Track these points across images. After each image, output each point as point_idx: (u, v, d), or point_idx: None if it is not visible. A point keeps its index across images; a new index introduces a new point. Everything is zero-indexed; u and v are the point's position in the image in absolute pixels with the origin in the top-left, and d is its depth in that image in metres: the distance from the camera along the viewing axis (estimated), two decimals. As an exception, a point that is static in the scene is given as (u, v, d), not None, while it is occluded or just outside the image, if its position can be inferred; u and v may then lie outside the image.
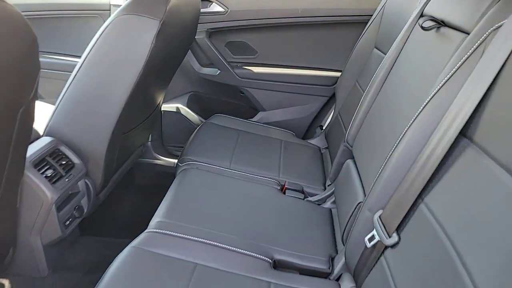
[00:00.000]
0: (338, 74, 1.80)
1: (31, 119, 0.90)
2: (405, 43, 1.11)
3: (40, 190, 1.04)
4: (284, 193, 1.31)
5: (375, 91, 1.17)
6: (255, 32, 1.85)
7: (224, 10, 1.80)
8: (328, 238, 1.11)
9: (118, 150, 1.36)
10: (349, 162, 1.19)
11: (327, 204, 1.29)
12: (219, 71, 1.87)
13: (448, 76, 0.73)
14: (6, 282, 1.14)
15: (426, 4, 1.06)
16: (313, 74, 1.85)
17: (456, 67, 0.73)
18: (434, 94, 0.76)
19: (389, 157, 0.84)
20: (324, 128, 1.83)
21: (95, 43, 1.14)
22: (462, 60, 0.72)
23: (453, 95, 0.70)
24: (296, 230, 1.11)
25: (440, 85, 0.75)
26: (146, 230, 1.00)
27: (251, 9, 1.81)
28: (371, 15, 1.62)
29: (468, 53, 0.71)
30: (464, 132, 0.66)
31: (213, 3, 1.81)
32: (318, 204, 1.30)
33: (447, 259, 0.60)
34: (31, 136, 0.94)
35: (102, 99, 1.17)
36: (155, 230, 0.99)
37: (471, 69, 0.69)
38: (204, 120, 1.92)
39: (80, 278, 1.24)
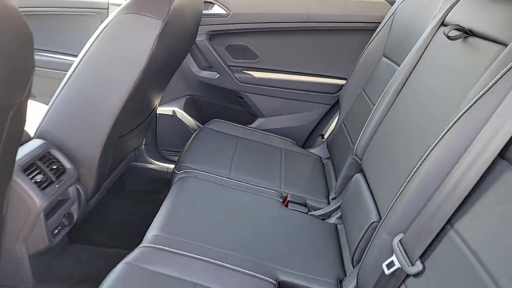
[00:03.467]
0: (342, 81, 1.76)
1: (23, 121, 0.82)
2: (422, 53, 1.06)
3: (28, 196, 0.97)
4: (287, 206, 1.25)
5: (388, 102, 1.13)
6: (257, 36, 1.80)
7: (226, 12, 1.75)
8: (335, 258, 1.05)
9: (112, 154, 1.29)
10: (359, 176, 1.14)
11: (332, 220, 1.23)
12: (218, 74, 1.81)
13: (483, 91, 0.68)
14: (-13, 294, 1.06)
15: (448, 11, 1.02)
16: (316, 81, 1.80)
17: (493, 81, 0.68)
18: (466, 111, 0.71)
19: (411, 177, 0.79)
20: (326, 137, 1.78)
21: (93, 42, 1.07)
22: (500, 74, 0.67)
23: (490, 113, 0.65)
24: (301, 248, 1.06)
25: (473, 101, 0.70)
26: (141, 245, 0.92)
27: (254, 12, 1.75)
28: (379, 22, 1.58)
29: (508, 66, 0.66)
30: (503, 154, 0.62)
31: (215, 5, 1.75)
32: (322, 219, 1.24)
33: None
34: (21, 139, 0.86)
35: (99, 101, 1.10)
36: (150, 245, 0.92)
37: (511, 84, 0.64)
38: (201, 125, 1.85)
39: (67, 291, 1.16)
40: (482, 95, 0.69)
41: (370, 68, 1.53)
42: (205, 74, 1.83)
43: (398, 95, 1.10)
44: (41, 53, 1.82)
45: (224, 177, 1.30)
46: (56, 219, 1.08)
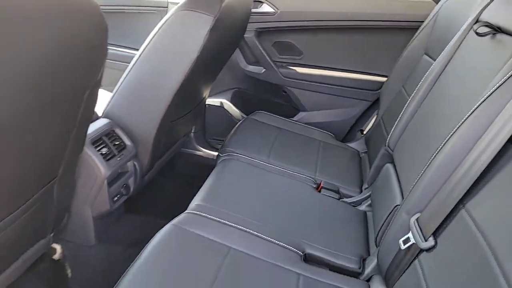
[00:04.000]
0: (383, 79, 1.80)
1: (94, 101, 0.98)
2: (457, 49, 1.10)
3: (96, 165, 1.14)
4: (320, 191, 1.33)
5: (421, 96, 1.17)
6: (302, 33, 1.89)
7: (274, 11, 1.85)
8: (361, 239, 1.13)
9: (165, 136, 1.44)
10: (389, 166, 1.20)
11: (363, 207, 1.30)
12: (264, 69, 1.92)
13: (500, 82, 0.73)
14: (58, 247, 1.25)
15: (482, 10, 1.05)
16: (357, 77, 1.86)
17: (510, 73, 0.72)
18: (484, 100, 0.76)
19: (431, 161, 0.85)
20: (365, 132, 1.84)
21: (153, 36, 1.23)
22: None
23: (505, 102, 0.70)
24: (329, 228, 1.14)
25: (491, 91, 0.75)
26: (185, 211, 1.06)
27: (300, 10, 1.85)
28: (423, 21, 1.60)
29: None
30: (513, 140, 0.67)
31: (264, 4, 1.86)
32: (353, 206, 1.31)
33: (486, 267, 0.60)
34: (92, 114, 1.03)
35: (155, 88, 1.26)
36: (194, 211, 1.05)
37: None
38: (245, 116, 1.98)
39: (122, 250, 1.33)
40: (500, 85, 0.73)
41: (411, 66, 1.57)
42: (252, 68, 1.95)
43: (431, 89, 1.15)
44: (109, 47, 2.04)
45: (263, 162, 1.41)
46: (116, 188, 1.26)
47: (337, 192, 1.36)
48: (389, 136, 1.26)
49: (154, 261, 0.87)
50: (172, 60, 1.22)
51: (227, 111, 2.03)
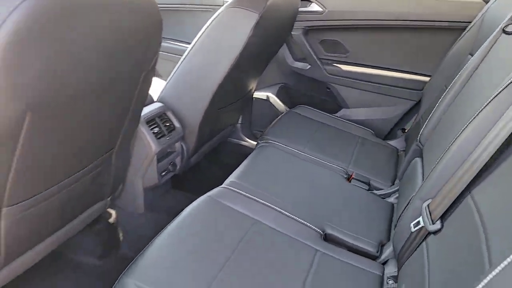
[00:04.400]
0: (427, 79, 1.80)
1: (149, 83, 1.14)
2: (491, 47, 1.11)
3: (148, 142, 1.31)
4: (350, 182, 1.39)
5: (455, 92, 1.20)
6: (349, 32, 1.94)
7: (322, 10, 1.93)
8: (383, 226, 1.18)
9: (211, 123, 1.59)
10: (417, 160, 1.24)
11: (391, 199, 1.34)
12: (309, 66, 2.00)
13: None
14: (113, 212, 1.45)
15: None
16: (402, 76, 1.87)
17: None
18: (497, 95, 0.80)
19: (446, 151, 0.89)
20: (406, 131, 1.85)
21: (204, 31, 1.37)
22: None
23: None
24: (352, 213, 1.21)
25: (503, 87, 0.79)
26: (220, 186, 1.19)
27: (347, 10, 1.90)
28: (469, 22, 1.59)
29: None
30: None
31: (313, 3, 1.94)
32: (382, 198, 1.36)
33: (479, 253, 0.62)
34: (147, 97, 1.19)
35: (203, 78, 1.40)
36: (228, 187, 1.18)
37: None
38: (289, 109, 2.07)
39: (167, 220, 1.49)
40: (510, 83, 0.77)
41: (455, 66, 1.56)
42: (298, 64, 2.04)
43: (464, 85, 1.16)
44: (167, 41, 2.24)
45: (297, 150, 1.50)
46: (164, 164, 1.42)
47: (368, 184, 1.41)
48: (421, 131, 1.29)
49: (186, 224, 1.00)
50: (219, 53, 1.36)
51: (273, 104, 2.14)
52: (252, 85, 1.89)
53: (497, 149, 0.73)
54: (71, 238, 1.23)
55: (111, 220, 1.45)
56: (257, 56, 1.56)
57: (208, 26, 1.37)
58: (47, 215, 0.99)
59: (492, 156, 0.73)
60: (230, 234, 1.00)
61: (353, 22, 1.91)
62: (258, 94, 2.13)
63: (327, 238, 1.11)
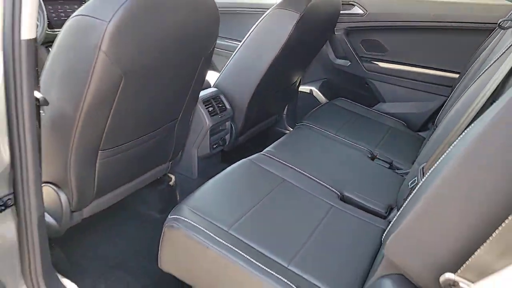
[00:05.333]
0: (457, 75, 1.92)
1: (206, 68, 1.44)
2: (497, 43, 1.26)
3: (203, 117, 1.61)
4: (373, 160, 1.59)
5: (467, 83, 1.35)
6: (388, 32, 2.12)
7: (363, 12, 2.13)
8: (394, 194, 1.36)
9: (257, 108, 1.86)
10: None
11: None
12: (350, 63, 2.20)
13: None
14: (173, 177, 1.76)
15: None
16: (435, 74, 2.01)
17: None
18: (481, 74, 0.98)
19: (440, 126, 1.08)
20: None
21: (254, 29, 1.65)
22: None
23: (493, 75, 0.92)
24: (369, 183, 1.40)
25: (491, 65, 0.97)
26: (259, 153, 1.45)
27: (387, 12, 2.08)
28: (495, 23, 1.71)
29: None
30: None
31: (355, 6, 2.15)
32: (401, 176, 1.53)
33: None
34: (204, 79, 1.49)
35: (251, 68, 1.68)
36: (265, 154, 1.44)
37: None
38: (329, 102, 2.29)
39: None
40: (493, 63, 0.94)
41: (479, 64, 1.69)
42: (340, 61, 2.25)
43: (476, 79, 1.32)
44: (225, 40, 2.56)
45: (329, 133, 1.72)
46: (216, 138, 1.71)
47: (390, 164, 1.59)
48: (437, 117, 1.46)
49: (228, 175, 1.28)
50: (264, 47, 1.62)
51: (316, 98, 2.36)
52: (296, 78, 2.14)
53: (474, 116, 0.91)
54: (138, 194, 1.56)
55: (171, 183, 1.77)
56: (298, 51, 1.80)
57: (257, 25, 1.64)
58: (126, 163, 1.32)
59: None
60: (261, 186, 1.26)
61: (392, 24, 2.08)
62: (303, 88, 2.37)
63: (344, 199, 1.32)
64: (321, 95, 2.35)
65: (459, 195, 0.60)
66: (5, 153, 0.92)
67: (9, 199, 0.96)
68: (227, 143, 1.79)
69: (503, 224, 0.53)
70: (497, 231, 0.54)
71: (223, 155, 1.91)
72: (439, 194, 0.64)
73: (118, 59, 0.97)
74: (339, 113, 1.97)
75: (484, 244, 0.53)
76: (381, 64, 2.15)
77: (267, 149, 1.50)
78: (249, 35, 1.66)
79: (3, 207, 0.94)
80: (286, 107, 2.29)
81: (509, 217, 0.52)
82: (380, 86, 2.17)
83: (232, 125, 1.78)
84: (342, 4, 2.07)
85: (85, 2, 1.84)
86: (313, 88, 2.36)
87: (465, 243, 0.60)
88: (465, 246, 0.59)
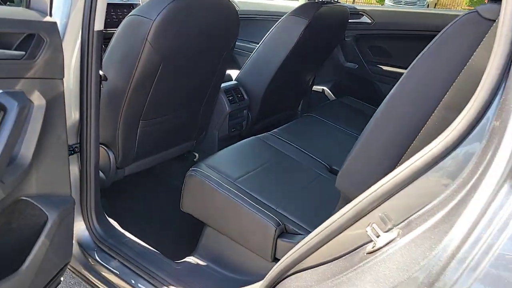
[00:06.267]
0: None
1: (227, 63, 1.77)
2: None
3: (224, 104, 1.94)
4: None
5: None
6: (393, 40, 2.38)
7: (371, 21, 2.41)
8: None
9: (272, 101, 2.17)
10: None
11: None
12: (357, 65, 2.48)
13: None
14: (197, 154, 2.10)
15: None
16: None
17: None
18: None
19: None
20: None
21: (269, 32, 1.97)
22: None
23: None
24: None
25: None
26: (266, 132, 1.76)
27: (392, 22, 2.35)
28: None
29: None
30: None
31: (364, 16, 2.43)
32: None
33: None
34: (225, 73, 1.82)
35: (266, 65, 2.00)
36: (271, 133, 1.75)
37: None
38: (338, 100, 2.56)
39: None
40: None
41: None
42: (349, 64, 2.54)
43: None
44: (245, 42, 2.90)
45: (331, 123, 2.01)
46: (233, 123, 2.04)
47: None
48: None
49: (238, 147, 1.60)
50: (277, 48, 1.94)
51: (327, 96, 2.65)
52: (308, 77, 2.44)
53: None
54: (168, 166, 1.90)
55: (195, 159, 2.11)
56: (308, 53, 2.11)
57: (272, 29, 1.97)
58: (160, 133, 1.66)
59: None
60: (264, 156, 1.57)
61: (396, 32, 2.35)
62: (316, 88, 2.67)
63: (332, 170, 1.60)
64: (331, 94, 2.63)
65: (382, 137, 0.89)
66: (75, 113, 1.28)
67: (76, 147, 1.32)
68: (243, 128, 2.11)
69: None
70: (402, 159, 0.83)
71: (240, 140, 2.23)
72: (369, 135, 0.92)
73: (159, 48, 1.31)
74: (344, 108, 2.25)
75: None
76: (384, 68, 2.41)
77: (274, 130, 1.80)
78: (266, 37, 1.99)
79: (72, 152, 1.30)
80: (301, 103, 2.59)
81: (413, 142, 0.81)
82: (384, 87, 2.43)
83: (249, 113, 2.10)
84: (353, 13, 2.36)
85: (133, 8, 2.31)
86: (325, 88, 2.65)
87: (387, 171, 0.88)
88: (386, 172, 0.88)
